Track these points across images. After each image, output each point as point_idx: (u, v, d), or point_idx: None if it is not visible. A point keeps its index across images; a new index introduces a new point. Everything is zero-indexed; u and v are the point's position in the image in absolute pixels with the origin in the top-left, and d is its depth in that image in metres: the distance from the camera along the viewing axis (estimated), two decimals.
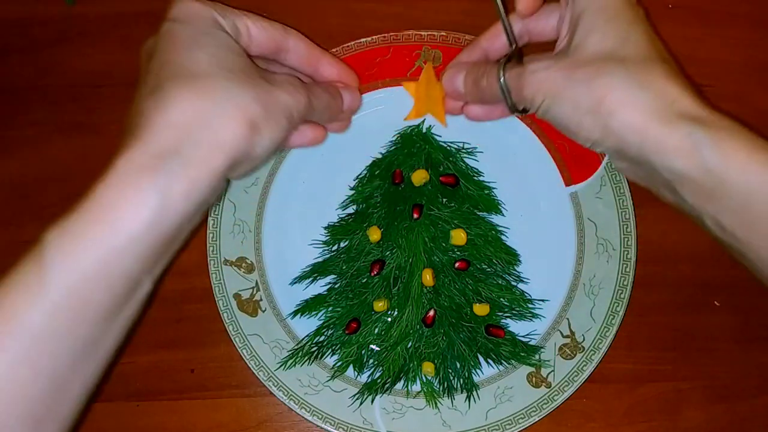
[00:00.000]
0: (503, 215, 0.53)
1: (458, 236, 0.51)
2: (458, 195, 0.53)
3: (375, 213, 0.53)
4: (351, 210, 0.54)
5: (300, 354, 0.51)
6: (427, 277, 0.50)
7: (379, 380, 0.50)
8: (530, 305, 0.52)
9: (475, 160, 0.54)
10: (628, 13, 0.39)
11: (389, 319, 0.51)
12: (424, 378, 0.51)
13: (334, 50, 0.55)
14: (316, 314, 0.52)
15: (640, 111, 0.35)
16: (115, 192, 0.32)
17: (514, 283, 0.52)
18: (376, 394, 0.50)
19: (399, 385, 0.51)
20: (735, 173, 0.34)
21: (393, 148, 0.54)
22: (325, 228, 0.54)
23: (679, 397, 0.52)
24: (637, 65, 0.36)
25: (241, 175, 0.38)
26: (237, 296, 0.52)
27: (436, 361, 0.51)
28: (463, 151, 0.54)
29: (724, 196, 0.34)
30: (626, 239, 0.52)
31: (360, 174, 0.54)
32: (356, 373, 0.51)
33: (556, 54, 0.40)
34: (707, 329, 0.53)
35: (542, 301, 0.52)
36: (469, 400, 0.50)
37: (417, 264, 0.51)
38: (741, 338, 0.53)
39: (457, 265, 0.51)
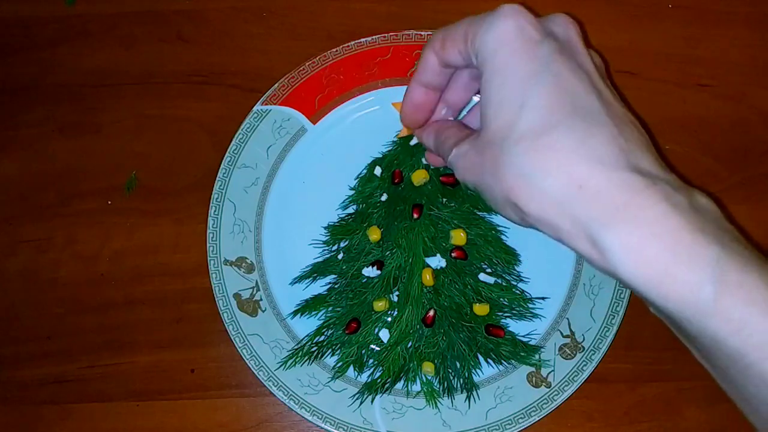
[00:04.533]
0: None
1: (458, 236, 0.51)
2: (458, 195, 0.53)
3: (375, 213, 0.53)
4: (351, 210, 0.54)
5: (300, 354, 0.51)
6: (427, 276, 0.50)
7: (379, 380, 0.50)
8: (530, 305, 0.52)
9: None
10: (525, 65, 0.29)
11: (389, 319, 0.51)
12: (424, 378, 0.51)
13: (334, 50, 0.55)
14: (316, 314, 0.52)
15: (545, 207, 0.28)
16: None
17: (514, 283, 0.52)
18: (376, 394, 0.50)
19: (399, 385, 0.51)
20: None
21: (393, 147, 0.54)
22: (325, 228, 0.54)
23: (679, 397, 0.52)
24: (537, 139, 0.28)
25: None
26: (237, 296, 0.52)
27: (436, 361, 0.51)
28: None
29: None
30: None
31: (360, 174, 0.54)
32: (356, 373, 0.51)
33: (478, 129, 0.33)
34: None
35: (542, 299, 0.52)
36: (469, 400, 0.50)
37: (417, 264, 0.51)
38: None
39: (454, 254, 0.51)
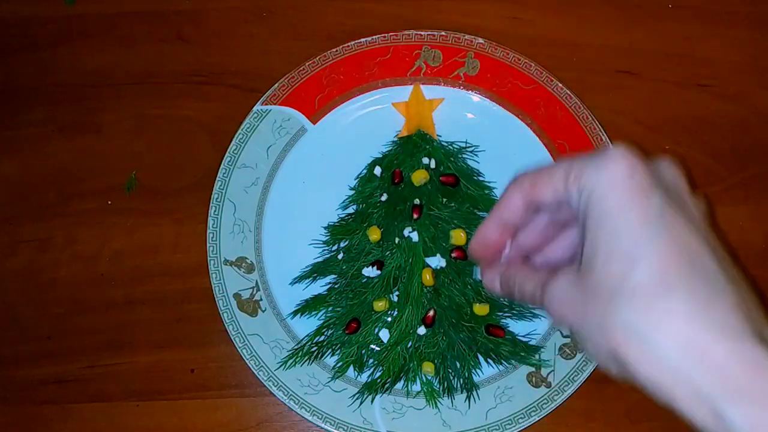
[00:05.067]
0: None
1: (458, 236, 0.51)
2: (458, 195, 0.53)
3: (375, 213, 0.53)
4: (351, 210, 0.54)
5: (300, 354, 0.51)
6: (427, 276, 0.50)
7: (379, 380, 0.50)
8: (530, 304, 0.52)
9: (476, 160, 0.54)
10: (638, 214, 0.28)
11: (389, 319, 0.51)
12: (424, 378, 0.51)
13: (334, 50, 0.55)
14: (316, 314, 0.52)
15: (661, 371, 0.28)
16: None
17: None
18: (376, 394, 0.50)
19: (399, 385, 0.51)
20: None
21: (393, 147, 0.54)
22: (325, 228, 0.54)
23: None
24: (654, 300, 0.27)
25: None
26: (237, 296, 0.52)
27: (436, 361, 0.51)
28: (464, 150, 0.54)
29: None
30: None
31: (360, 174, 0.54)
32: (356, 373, 0.51)
33: (576, 267, 0.31)
34: None
35: None
36: (469, 400, 0.50)
37: (417, 264, 0.51)
38: None
39: (454, 254, 0.51)
